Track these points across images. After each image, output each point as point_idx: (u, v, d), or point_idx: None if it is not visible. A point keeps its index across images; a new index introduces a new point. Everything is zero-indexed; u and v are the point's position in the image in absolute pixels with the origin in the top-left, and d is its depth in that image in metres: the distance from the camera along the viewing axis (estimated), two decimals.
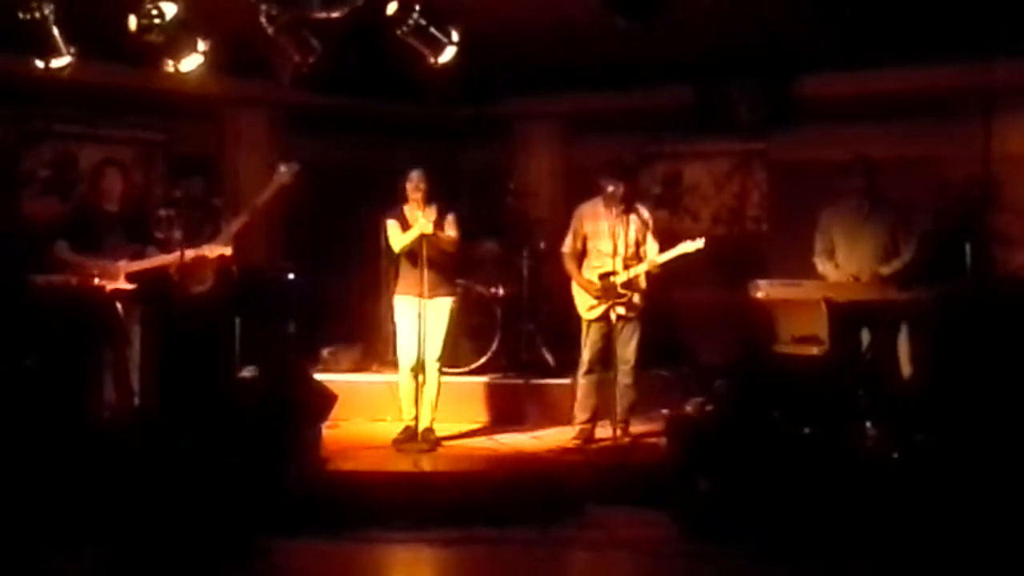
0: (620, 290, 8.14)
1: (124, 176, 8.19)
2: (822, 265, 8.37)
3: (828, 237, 8.39)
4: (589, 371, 8.38)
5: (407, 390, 8.27)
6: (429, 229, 7.99)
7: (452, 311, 8.29)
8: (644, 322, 8.30)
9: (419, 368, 8.12)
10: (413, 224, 8.08)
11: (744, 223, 10.99)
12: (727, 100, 10.43)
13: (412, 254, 8.14)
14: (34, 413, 7.10)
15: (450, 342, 8.38)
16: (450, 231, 8.19)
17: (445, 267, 8.20)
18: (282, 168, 8.14)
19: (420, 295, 8.06)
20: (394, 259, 8.36)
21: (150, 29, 7.12)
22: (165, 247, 7.94)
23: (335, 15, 7.23)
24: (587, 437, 8.39)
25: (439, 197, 8.22)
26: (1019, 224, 9.19)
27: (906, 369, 8.24)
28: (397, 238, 8.17)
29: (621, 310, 8.15)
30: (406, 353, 8.25)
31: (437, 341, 8.18)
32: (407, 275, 8.23)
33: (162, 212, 8.16)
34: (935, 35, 8.56)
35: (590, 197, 8.39)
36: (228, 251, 7.95)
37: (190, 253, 7.81)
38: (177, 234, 7.96)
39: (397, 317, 8.31)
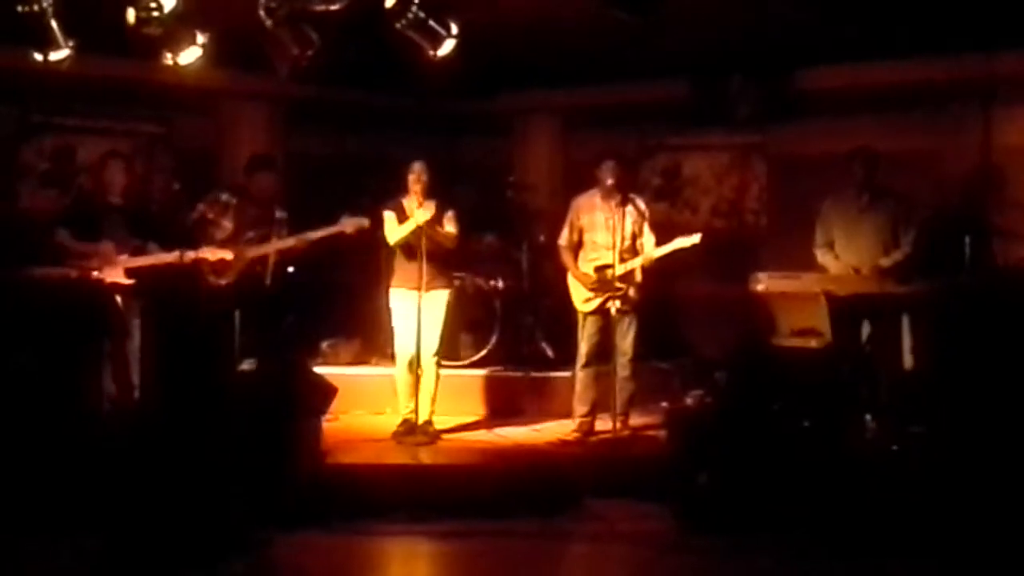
0: (616, 283, 8.13)
1: (127, 168, 8.19)
2: (822, 257, 8.37)
3: (828, 229, 8.38)
4: (587, 364, 8.38)
5: (404, 383, 8.27)
6: (424, 218, 7.95)
7: (449, 304, 8.27)
8: (642, 315, 8.29)
9: (416, 361, 8.11)
10: (411, 216, 8.06)
11: (743, 216, 10.99)
12: (725, 93, 10.44)
13: (409, 247, 8.12)
14: (33, 406, 7.10)
15: (447, 335, 8.35)
16: (450, 227, 8.17)
17: (442, 260, 8.18)
18: (348, 218, 8.18)
19: (416, 288, 8.05)
20: (390, 251, 8.34)
21: (149, 22, 7.11)
22: (214, 235, 7.99)
23: (334, 8, 7.23)
24: (587, 430, 8.39)
25: (439, 191, 8.21)
26: (1019, 217, 9.18)
27: (908, 362, 8.23)
28: (392, 230, 8.16)
29: (617, 303, 8.14)
30: (403, 346, 8.24)
31: (434, 334, 8.15)
32: (403, 268, 8.22)
33: (223, 196, 8.23)
34: (934, 27, 8.55)
35: (588, 190, 8.39)
36: (229, 256, 7.96)
37: (190, 255, 7.82)
38: (227, 224, 8.04)
39: (393, 310, 8.30)
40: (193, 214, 8.24)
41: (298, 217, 9.02)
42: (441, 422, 8.45)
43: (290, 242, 8.19)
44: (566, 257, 8.42)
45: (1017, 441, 6.60)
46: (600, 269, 8.20)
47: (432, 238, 8.01)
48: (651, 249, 8.18)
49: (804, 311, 7.92)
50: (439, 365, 8.27)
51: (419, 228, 7.97)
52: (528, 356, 9.80)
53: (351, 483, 7.14)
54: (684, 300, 10.33)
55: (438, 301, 8.17)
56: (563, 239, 8.44)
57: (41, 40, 7.21)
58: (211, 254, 7.91)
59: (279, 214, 8.32)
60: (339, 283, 9.83)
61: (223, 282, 8.12)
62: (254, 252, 8.17)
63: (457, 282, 8.96)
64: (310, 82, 8.84)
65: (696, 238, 8.09)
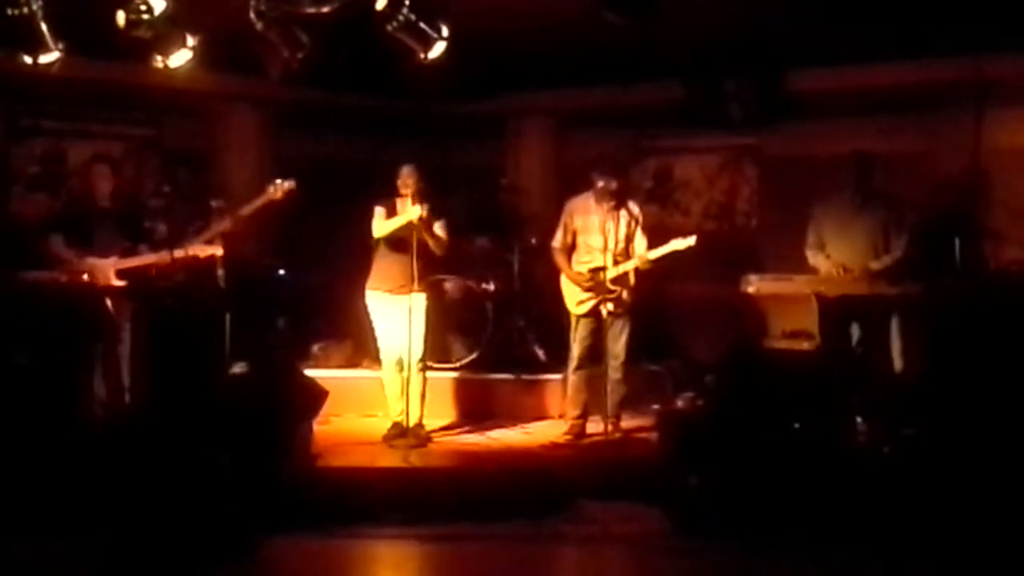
0: (609, 286, 8.13)
1: (114, 172, 8.16)
2: (813, 258, 8.38)
3: (820, 230, 8.40)
4: (579, 367, 8.37)
5: (392, 386, 8.27)
6: (415, 215, 7.85)
7: (427, 306, 8.20)
8: (634, 317, 8.30)
9: (407, 363, 8.09)
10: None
11: (734, 218, 11.00)
12: (718, 96, 10.41)
13: (390, 247, 8.10)
14: (25, 410, 7.09)
15: (430, 338, 8.29)
16: (440, 233, 8.13)
17: (424, 262, 8.07)
18: (276, 183, 8.05)
19: (391, 290, 8.06)
20: (374, 250, 8.28)
21: (139, 24, 7.09)
22: (152, 237, 7.95)
23: (325, 10, 7.21)
24: (578, 432, 8.39)
25: (432, 196, 8.18)
26: (1009, 219, 9.19)
27: (898, 364, 8.24)
28: (381, 224, 8.07)
29: (610, 306, 8.14)
30: (387, 349, 8.24)
31: (417, 338, 8.07)
32: (381, 269, 8.19)
33: (153, 202, 8.17)
34: (926, 30, 8.55)
35: (582, 192, 8.38)
36: (219, 252, 7.90)
37: (179, 252, 7.78)
38: (162, 227, 7.97)
39: (372, 313, 8.27)
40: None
41: (292, 219, 9.04)
42: (432, 424, 8.44)
43: (226, 225, 7.98)
44: (559, 259, 8.40)
45: (1008, 442, 6.61)
46: (594, 271, 8.19)
47: (421, 238, 7.97)
48: (645, 252, 8.18)
49: (795, 313, 7.93)
50: (425, 368, 8.22)
51: (412, 228, 7.95)
52: (520, 358, 9.77)
53: (342, 486, 7.14)
54: (675, 302, 10.32)
55: (417, 304, 8.09)
56: (556, 241, 8.43)
57: (31, 43, 7.17)
58: (200, 251, 7.86)
59: (214, 203, 8.21)
60: (330, 286, 9.81)
61: (168, 283, 8.03)
62: (207, 250, 7.98)
63: (449, 284, 8.95)
64: (301, 85, 8.83)
65: (691, 240, 8.08)
